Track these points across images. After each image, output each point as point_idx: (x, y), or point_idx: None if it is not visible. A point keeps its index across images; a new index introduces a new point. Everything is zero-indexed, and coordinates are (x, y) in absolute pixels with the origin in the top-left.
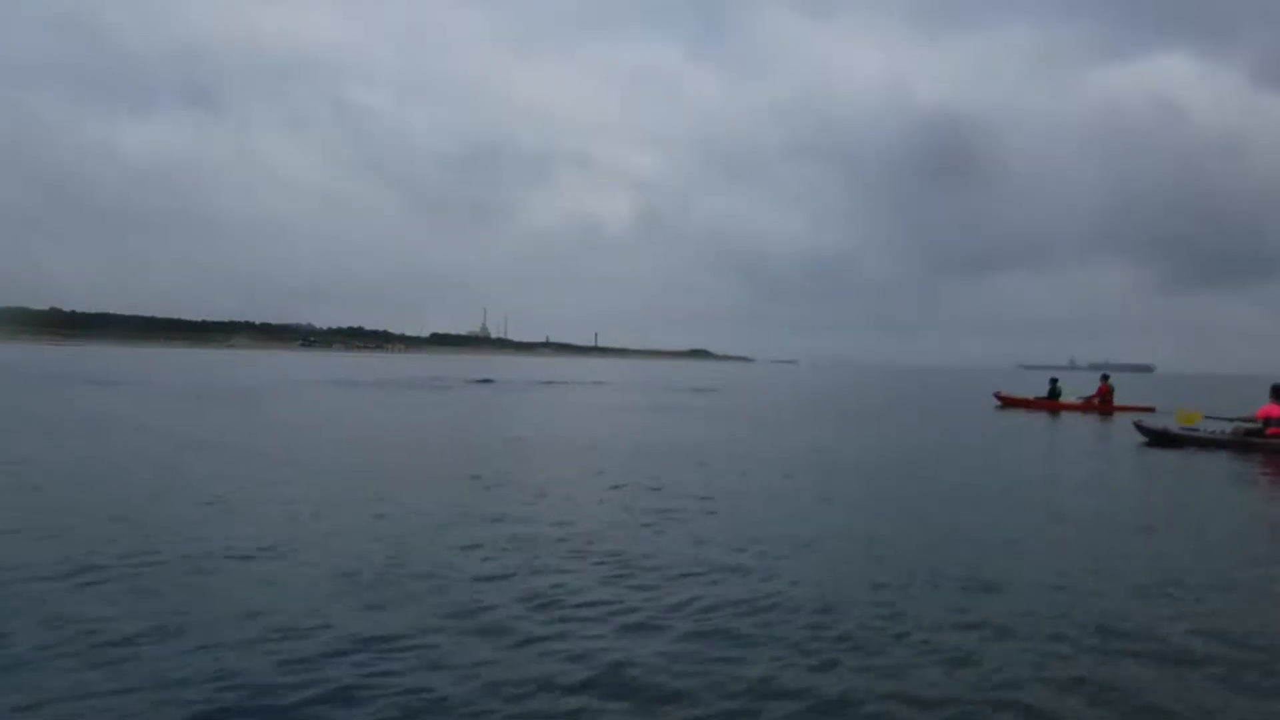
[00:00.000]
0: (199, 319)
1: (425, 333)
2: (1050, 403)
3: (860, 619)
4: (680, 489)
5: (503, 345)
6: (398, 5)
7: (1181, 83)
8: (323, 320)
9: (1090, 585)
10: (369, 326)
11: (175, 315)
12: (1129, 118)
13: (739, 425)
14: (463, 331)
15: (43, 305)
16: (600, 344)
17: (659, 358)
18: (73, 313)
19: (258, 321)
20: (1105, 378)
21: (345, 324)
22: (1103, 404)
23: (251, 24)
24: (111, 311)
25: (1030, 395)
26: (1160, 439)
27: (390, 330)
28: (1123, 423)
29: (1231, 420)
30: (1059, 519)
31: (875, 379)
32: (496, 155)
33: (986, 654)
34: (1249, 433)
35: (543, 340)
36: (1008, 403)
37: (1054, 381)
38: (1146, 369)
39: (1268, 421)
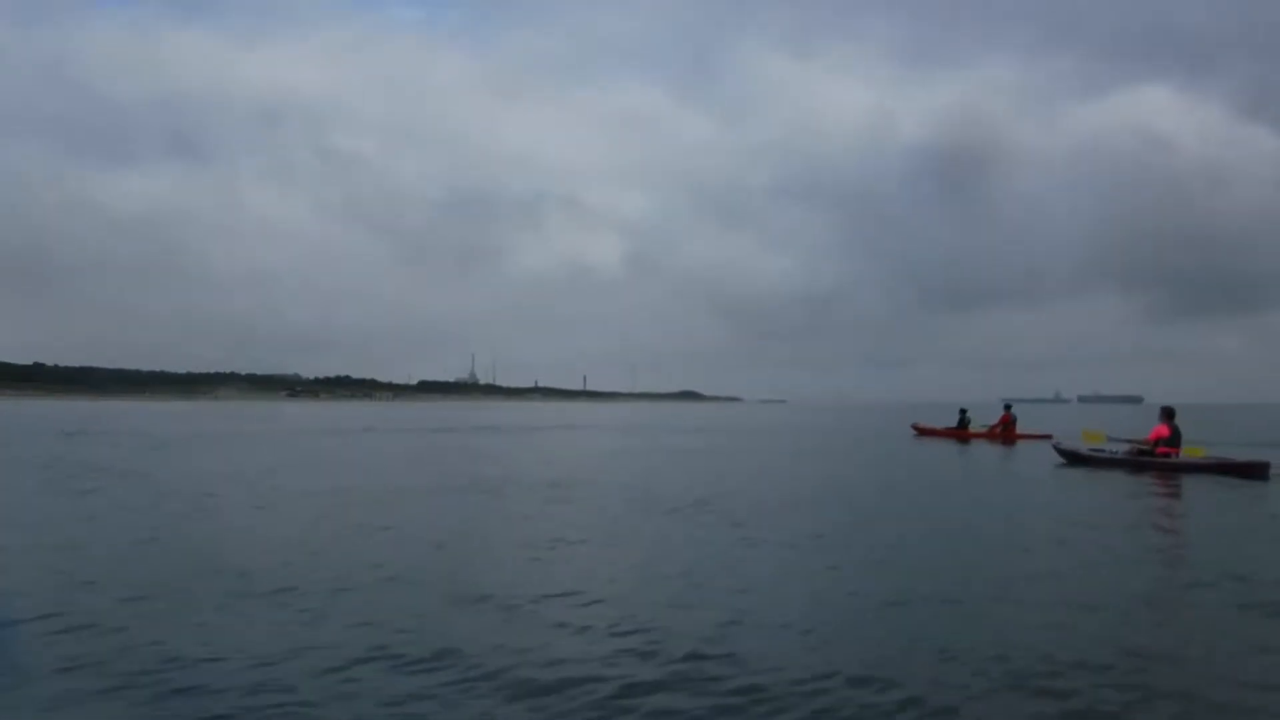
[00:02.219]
0: (184, 371)
1: (413, 380)
2: (960, 432)
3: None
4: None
5: (491, 391)
6: (382, 52)
7: (1164, 114)
8: (309, 370)
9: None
10: (356, 375)
11: (160, 368)
12: (1114, 150)
13: (677, 468)
14: (450, 378)
15: (26, 360)
16: (589, 387)
17: (648, 400)
18: (56, 367)
19: (243, 372)
20: (1008, 407)
21: (332, 373)
22: (1004, 432)
23: (234, 71)
24: (95, 365)
25: (953, 426)
26: (1073, 459)
27: (378, 378)
28: (1029, 449)
29: (1129, 441)
30: (975, 531)
31: (851, 416)
32: (483, 201)
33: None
34: (1141, 452)
35: (531, 385)
36: (923, 432)
37: (963, 412)
38: (1135, 399)
39: (1158, 441)
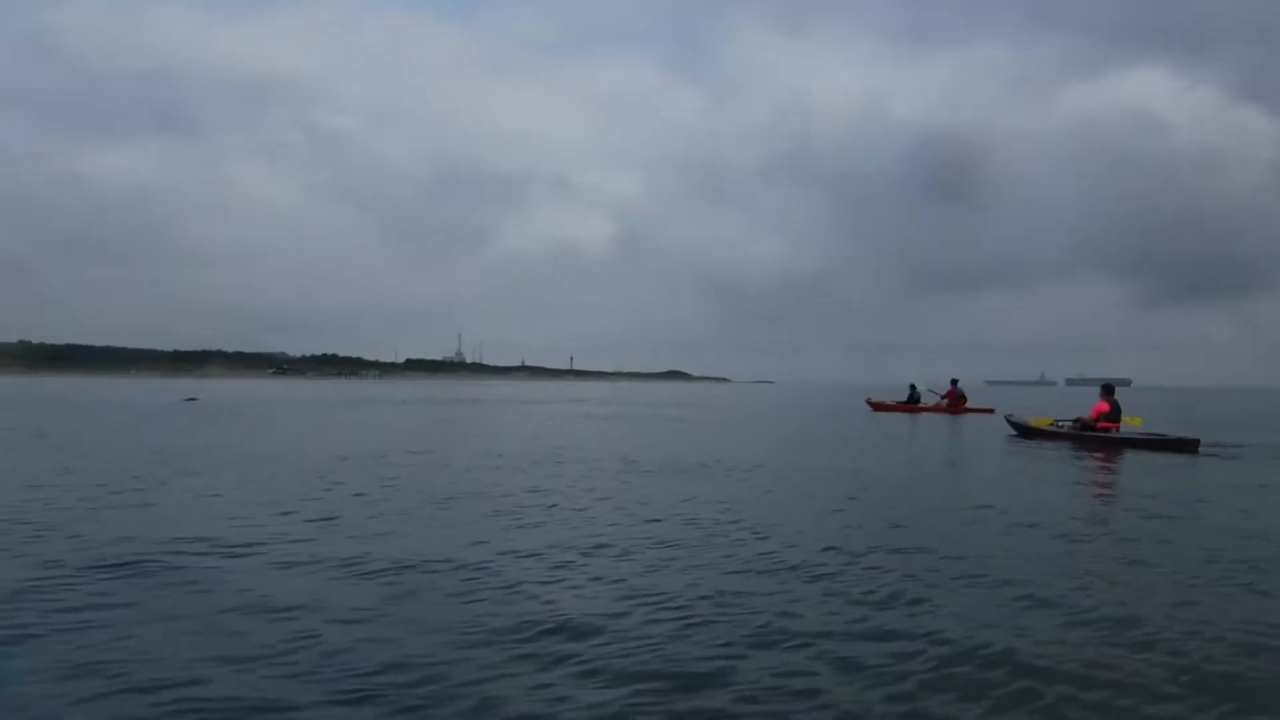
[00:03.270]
0: (170, 349)
1: (400, 359)
2: (910, 406)
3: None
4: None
5: (478, 370)
6: (368, 28)
7: (1159, 97)
8: (296, 348)
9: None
10: (342, 353)
11: (146, 345)
12: (1106, 133)
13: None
14: (437, 357)
15: (11, 339)
16: (576, 367)
17: (635, 380)
18: (42, 345)
19: (229, 350)
20: (954, 382)
21: (319, 351)
22: (951, 405)
23: (220, 47)
24: (81, 343)
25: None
26: (1024, 432)
27: (364, 357)
28: (976, 421)
29: (1074, 420)
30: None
31: (835, 397)
32: (471, 180)
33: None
34: (1084, 426)
35: (518, 364)
36: (877, 407)
37: (913, 387)
38: (1124, 383)
39: (1100, 417)
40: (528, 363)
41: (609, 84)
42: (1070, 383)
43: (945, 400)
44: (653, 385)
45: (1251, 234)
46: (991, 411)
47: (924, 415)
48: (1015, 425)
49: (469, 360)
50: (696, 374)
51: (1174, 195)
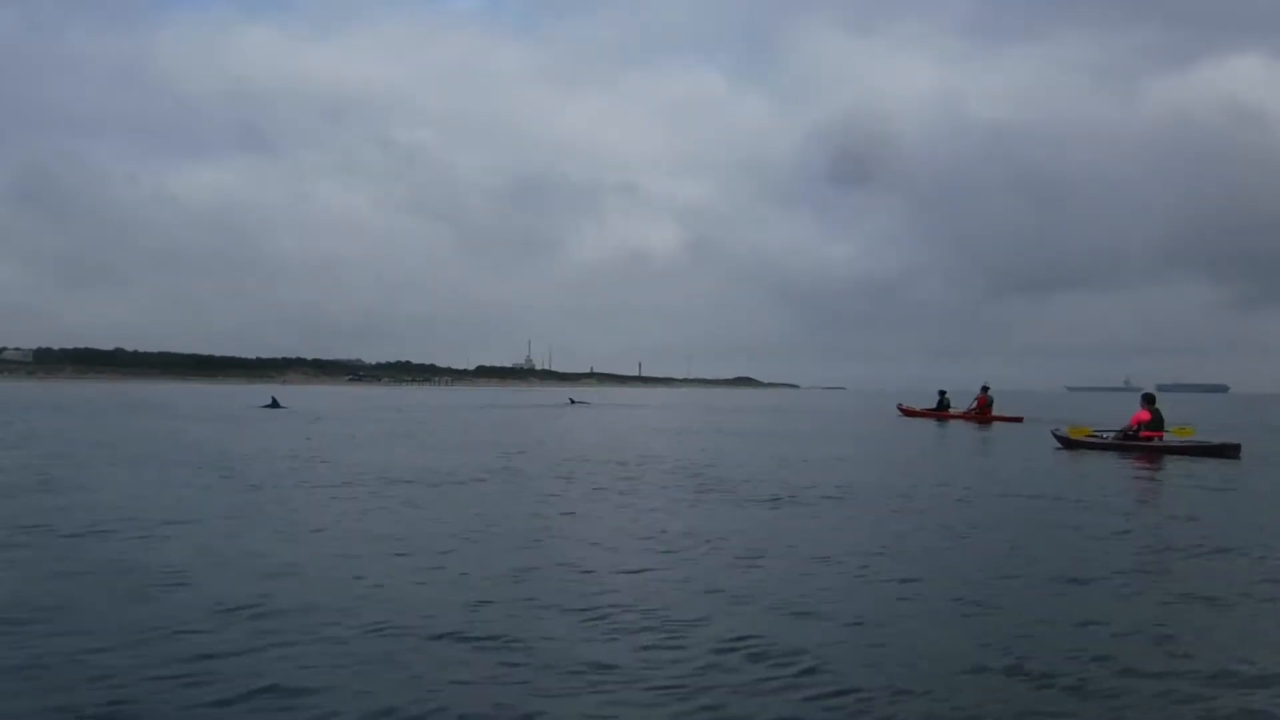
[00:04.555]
0: (254, 356)
1: (471, 366)
2: (940, 413)
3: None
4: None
5: (547, 376)
6: (440, 44)
7: (1254, 86)
8: (371, 355)
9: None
10: (416, 360)
11: (230, 353)
12: (1198, 126)
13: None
14: (508, 364)
15: (109, 346)
16: (644, 374)
17: (703, 386)
18: (135, 352)
19: (309, 358)
20: (985, 389)
21: (392, 358)
22: (980, 414)
23: (300, 65)
24: (171, 350)
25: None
26: (1068, 444)
27: (437, 364)
28: (1004, 429)
29: (1115, 430)
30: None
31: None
32: (542, 189)
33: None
34: (1127, 436)
35: (587, 371)
36: (907, 413)
37: (942, 394)
38: (1221, 389)
39: (1140, 426)
40: (596, 369)
41: (677, 91)
42: (1163, 388)
43: (975, 409)
44: (721, 392)
45: None
46: (1020, 420)
47: (953, 422)
48: (1060, 439)
49: (538, 367)
50: (766, 380)
51: (1272, 190)
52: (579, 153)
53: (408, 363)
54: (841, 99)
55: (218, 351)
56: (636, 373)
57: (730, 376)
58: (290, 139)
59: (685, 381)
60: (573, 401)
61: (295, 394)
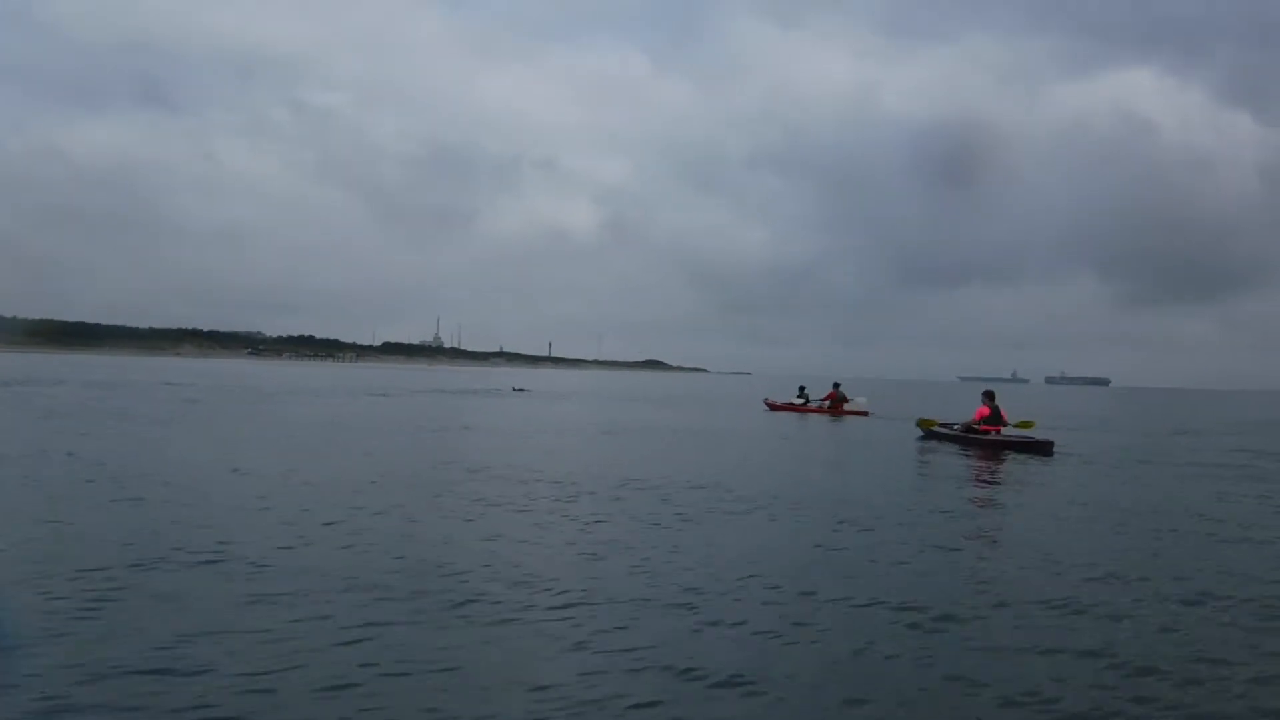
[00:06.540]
0: (145, 326)
1: (377, 341)
2: (799, 406)
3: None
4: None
5: (456, 355)
6: (358, 5)
7: (1148, 97)
8: (273, 328)
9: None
10: (319, 335)
11: (120, 322)
12: (1096, 131)
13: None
14: (415, 341)
15: None
16: (554, 354)
17: (613, 368)
18: (14, 319)
19: (206, 329)
20: (836, 386)
21: (296, 332)
22: (832, 407)
23: (208, 19)
24: (53, 318)
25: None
26: (928, 434)
27: (341, 339)
28: (859, 423)
29: (959, 423)
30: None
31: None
32: (459, 161)
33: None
34: (968, 429)
35: (496, 350)
36: (773, 408)
37: (802, 389)
38: (1102, 382)
39: (980, 420)
40: (505, 349)
41: (599, 68)
42: (1050, 380)
43: (827, 402)
44: (632, 375)
45: (1236, 235)
46: (866, 415)
47: (812, 416)
48: (924, 430)
49: (447, 345)
50: (675, 364)
51: (1160, 195)
52: (497, 125)
53: (310, 337)
54: (761, 87)
55: (105, 320)
56: (547, 352)
57: (641, 359)
58: (194, 95)
59: (595, 363)
60: (515, 390)
61: (187, 369)
